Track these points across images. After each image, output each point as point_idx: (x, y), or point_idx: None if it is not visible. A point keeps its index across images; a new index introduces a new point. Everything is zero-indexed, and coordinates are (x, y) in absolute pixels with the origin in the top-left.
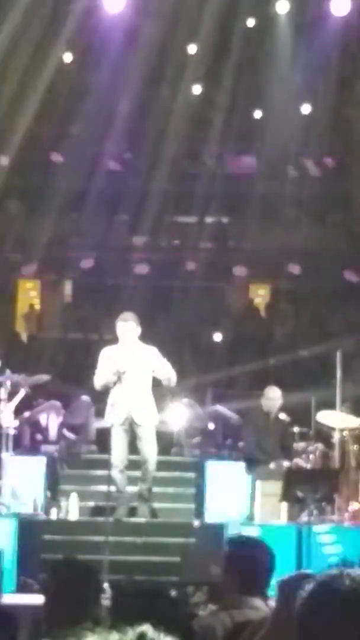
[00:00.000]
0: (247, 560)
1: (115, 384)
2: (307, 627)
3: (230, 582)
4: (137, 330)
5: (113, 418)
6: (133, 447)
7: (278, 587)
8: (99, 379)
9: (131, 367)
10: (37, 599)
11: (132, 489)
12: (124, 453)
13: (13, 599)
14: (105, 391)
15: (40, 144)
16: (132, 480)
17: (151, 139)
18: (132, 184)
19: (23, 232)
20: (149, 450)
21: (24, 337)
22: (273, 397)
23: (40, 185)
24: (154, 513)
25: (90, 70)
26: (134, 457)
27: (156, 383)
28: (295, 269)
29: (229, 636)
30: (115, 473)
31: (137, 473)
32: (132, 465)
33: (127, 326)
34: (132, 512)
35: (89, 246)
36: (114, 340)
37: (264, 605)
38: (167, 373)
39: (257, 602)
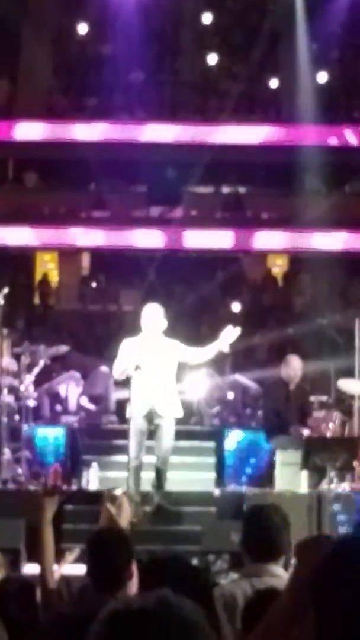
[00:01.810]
0: (264, 527)
1: (135, 372)
2: (323, 590)
3: (248, 550)
4: (163, 322)
5: (134, 410)
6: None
7: (295, 550)
8: (118, 368)
9: (154, 359)
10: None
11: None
12: (142, 445)
13: (34, 569)
14: (124, 380)
15: (56, 115)
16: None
17: (166, 109)
18: (148, 155)
19: (40, 204)
20: (167, 443)
21: (43, 309)
22: (293, 365)
23: (57, 157)
24: (168, 498)
25: (105, 41)
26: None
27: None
28: (311, 237)
29: (250, 604)
30: (132, 466)
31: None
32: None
33: (152, 313)
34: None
35: (106, 218)
36: (133, 312)
37: (284, 573)
38: (193, 352)
39: (278, 569)
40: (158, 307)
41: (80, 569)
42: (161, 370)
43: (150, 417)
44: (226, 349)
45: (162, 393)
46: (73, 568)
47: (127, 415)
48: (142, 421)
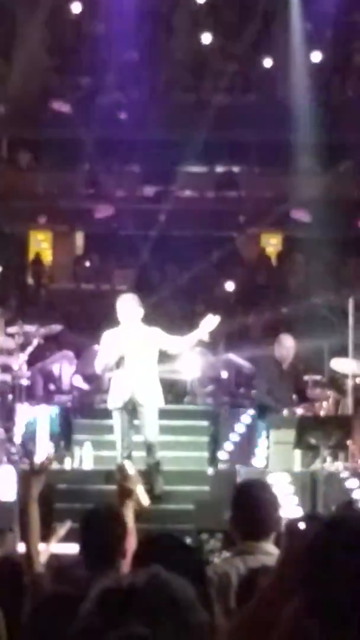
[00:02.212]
0: (252, 504)
1: (117, 367)
2: (311, 568)
3: (237, 527)
4: (139, 311)
5: (115, 400)
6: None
7: (285, 529)
8: (100, 363)
9: (134, 348)
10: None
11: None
12: (129, 436)
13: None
14: (106, 373)
15: (49, 95)
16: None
17: (161, 88)
18: (141, 134)
19: (34, 184)
20: (151, 432)
21: (36, 288)
22: (286, 345)
23: (50, 136)
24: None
25: (99, 20)
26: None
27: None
28: (305, 217)
29: (244, 582)
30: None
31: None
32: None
33: (130, 304)
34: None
35: (99, 197)
36: (126, 290)
37: (276, 550)
38: (174, 340)
39: (269, 546)
40: (132, 297)
41: (71, 548)
42: (141, 359)
43: (132, 406)
44: (206, 338)
45: (143, 382)
46: (63, 547)
47: (109, 407)
48: (125, 412)
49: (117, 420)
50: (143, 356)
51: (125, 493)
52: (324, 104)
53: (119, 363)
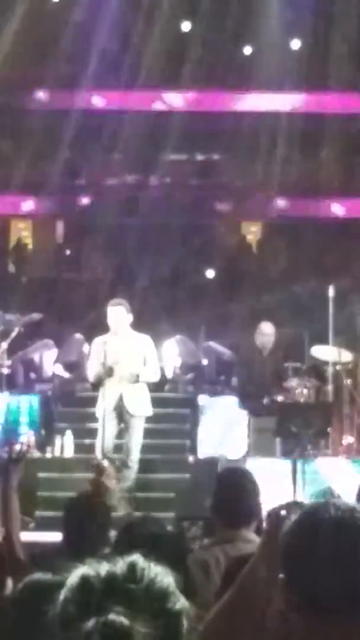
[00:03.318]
0: (233, 492)
1: (108, 376)
2: (291, 556)
3: (219, 515)
4: (129, 317)
5: (101, 404)
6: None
7: (266, 517)
8: (92, 372)
9: (123, 356)
10: (35, 536)
11: None
12: (111, 442)
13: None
14: (99, 383)
15: (29, 84)
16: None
17: (140, 76)
18: (122, 122)
19: (15, 172)
20: (136, 441)
21: (17, 276)
22: (267, 332)
23: (32, 125)
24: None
25: (79, 8)
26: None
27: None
28: (285, 204)
29: (224, 571)
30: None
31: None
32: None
33: (118, 312)
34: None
35: (80, 185)
36: (106, 279)
37: (256, 538)
38: (151, 370)
39: (250, 534)
40: (122, 305)
41: (53, 536)
42: (130, 366)
43: (119, 414)
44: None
45: (132, 389)
46: (45, 535)
47: (97, 413)
48: (112, 419)
49: (102, 426)
50: (131, 363)
51: (102, 487)
52: (305, 92)
53: (109, 371)
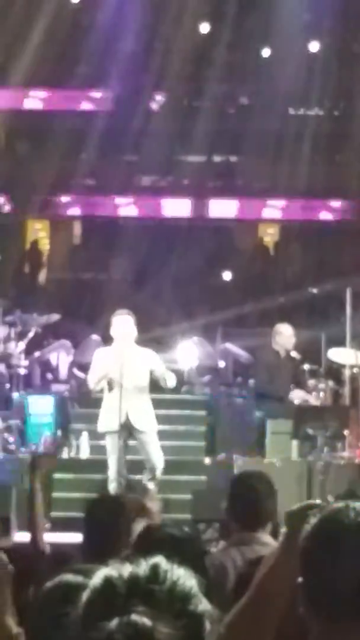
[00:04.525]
0: (249, 495)
1: (109, 388)
2: (309, 559)
3: (234, 518)
4: (134, 332)
5: (107, 424)
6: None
7: (285, 518)
8: (92, 381)
9: (127, 370)
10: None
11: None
12: (121, 463)
13: (25, 537)
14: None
15: (46, 84)
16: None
17: (158, 78)
18: (139, 123)
19: (32, 174)
20: (157, 456)
21: (34, 277)
22: (287, 334)
23: (48, 126)
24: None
25: (96, 9)
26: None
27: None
28: (302, 208)
29: (241, 573)
30: (111, 487)
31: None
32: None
33: (126, 321)
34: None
35: (97, 187)
36: (124, 280)
37: (272, 541)
38: (165, 373)
39: (266, 537)
40: (128, 317)
41: (73, 537)
42: (135, 381)
43: (127, 430)
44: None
45: (137, 404)
46: (66, 536)
47: (100, 429)
48: (119, 435)
49: (111, 443)
50: (135, 377)
51: (143, 510)
52: (322, 94)
53: (111, 384)
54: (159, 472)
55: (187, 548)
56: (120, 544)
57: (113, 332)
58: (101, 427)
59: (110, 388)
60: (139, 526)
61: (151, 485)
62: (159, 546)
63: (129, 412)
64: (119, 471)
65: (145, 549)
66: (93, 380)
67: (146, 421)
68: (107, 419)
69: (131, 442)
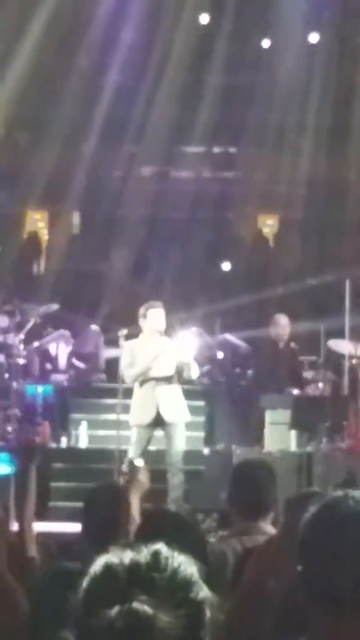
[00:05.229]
0: (251, 484)
1: (142, 379)
2: (308, 548)
3: (236, 507)
4: (165, 324)
5: (139, 418)
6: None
7: (284, 505)
8: (132, 375)
9: (158, 362)
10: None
11: None
12: (143, 451)
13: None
14: (115, 339)
15: (46, 75)
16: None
17: (157, 68)
18: (138, 114)
19: (31, 164)
20: (181, 447)
21: (33, 267)
22: (282, 324)
23: (48, 116)
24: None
25: (98, 0)
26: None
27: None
28: (303, 198)
29: (240, 562)
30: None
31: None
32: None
33: (161, 314)
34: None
35: (96, 176)
36: (123, 270)
37: (273, 530)
38: (191, 364)
39: (267, 527)
40: (162, 310)
41: (73, 527)
42: (167, 372)
43: (156, 424)
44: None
45: (169, 397)
46: (65, 525)
47: (132, 422)
48: (147, 429)
49: (138, 437)
50: (169, 370)
51: (135, 485)
52: (321, 86)
53: (144, 375)
54: (179, 466)
55: (188, 535)
56: (119, 532)
57: (149, 324)
58: (133, 420)
59: (144, 381)
60: (134, 500)
61: (139, 462)
62: (160, 533)
63: (160, 405)
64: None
65: (146, 536)
66: (133, 374)
67: (177, 413)
68: (140, 413)
69: (126, 433)
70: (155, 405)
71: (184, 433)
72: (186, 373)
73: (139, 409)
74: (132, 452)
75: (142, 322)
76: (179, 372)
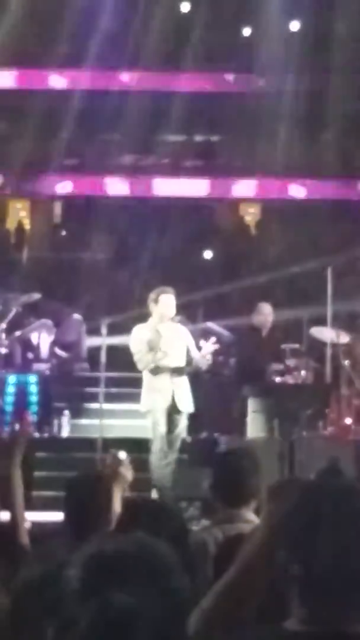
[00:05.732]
0: (233, 471)
1: (155, 365)
2: (291, 535)
3: (218, 495)
4: (174, 310)
5: (151, 404)
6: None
7: (267, 493)
8: (147, 361)
9: (170, 347)
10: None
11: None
12: (165, 441)
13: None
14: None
15: (24, 63)
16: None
17: (138, 56)
18: (117, 102)
19: (10, 153)
20: (180, 437)
21: (14, 256)
22: (265, 312)
23: (25, 105)
24: None
25: None
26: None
27: None
28: (284, 187)
29: (221, 550)
30: (162, 464)
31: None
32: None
33: (171, 302)
34: (125, 429)
35: (76, 166)
36: (105, 259)
37: (256, 518)
38: (197, 354)
39: (249, 515)
40: (173, 296)
41: (54, 516)
42: (178, 359)
43: (169, 411)
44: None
45: (182, 385)
46: (46, 515)
47: (144, 408)
48: (164, 415)
49: (154, 421)
50: (180, 356)
51: (117, 479)
52: (302, 73)
53: (157, 361)
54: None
55: (169, 524)
56: (101, 521)
57: (160, 309)
58: (144, 406)
59: (158, 368)
60: (116, 493)
61: (122, 455)
62: (140, 522)
63: (175, 394)
64: (167, 452)
65: (127, 526)
66: (148, 360)
67: (187, 401)
68: (152, 399)
69: (109, 422)
70: (171, 392)
71: (186, 424)
72: (196, 362)
73: (151, 395)
74: (156, 444)
75: (152, 307)
76: (189, 360)
